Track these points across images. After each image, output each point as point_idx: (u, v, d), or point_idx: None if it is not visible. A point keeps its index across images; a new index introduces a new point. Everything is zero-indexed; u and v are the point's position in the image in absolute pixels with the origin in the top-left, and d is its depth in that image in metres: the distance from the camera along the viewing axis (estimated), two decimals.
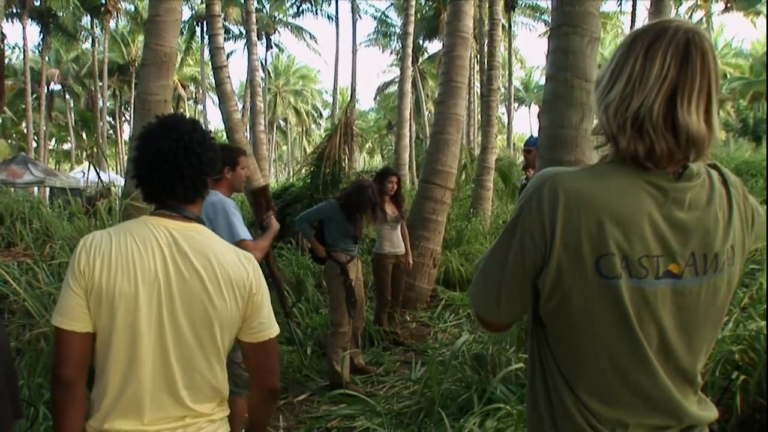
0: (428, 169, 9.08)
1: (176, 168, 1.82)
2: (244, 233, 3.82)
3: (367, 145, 58.30)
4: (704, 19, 38.52)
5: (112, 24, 41.91)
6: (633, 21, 25.55)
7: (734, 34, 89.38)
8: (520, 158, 35.14)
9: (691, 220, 1.36)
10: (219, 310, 1.79)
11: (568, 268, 1.34)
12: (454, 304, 8.58)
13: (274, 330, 1.92)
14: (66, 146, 54.97)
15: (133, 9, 42.05)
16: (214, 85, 14.59)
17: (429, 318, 8.04)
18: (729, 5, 34.41)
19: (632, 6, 25.82)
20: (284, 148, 75.39)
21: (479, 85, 27.46)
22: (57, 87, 49.00)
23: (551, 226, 1.33)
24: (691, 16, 36.76)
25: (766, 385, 3.42)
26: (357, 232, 5.99)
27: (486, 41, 22.32)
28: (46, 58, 40.86)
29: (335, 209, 5.87)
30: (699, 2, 36.02)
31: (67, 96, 49.23)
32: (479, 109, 31.04)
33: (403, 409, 4.75)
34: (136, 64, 43.25)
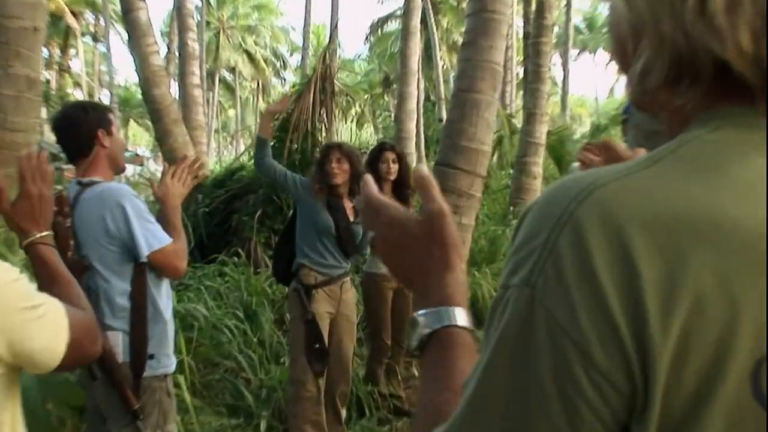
0: (448, 146, 8.69)
1: None
2: (162, 236, 3.48)
3: (353, 110, 58.36)
4: None
5: None
6: None
7: None
8: (581, 130, 34.95)
9: None
10: None
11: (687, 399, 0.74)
12: None
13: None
14: None
15: None
16: (121, 14, 14.08)
17: None
18: None
19: None
20: (231, 112, 75.10)
21: (521, 22, 27.18)
22: None
23: (636, 320, 0.73)
24: None
25: None
26: (342, 232, 5.59)
27: None
28: None
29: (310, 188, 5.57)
30: None
31: None
32: (520, 57, 30.85)
33: None
34: None
